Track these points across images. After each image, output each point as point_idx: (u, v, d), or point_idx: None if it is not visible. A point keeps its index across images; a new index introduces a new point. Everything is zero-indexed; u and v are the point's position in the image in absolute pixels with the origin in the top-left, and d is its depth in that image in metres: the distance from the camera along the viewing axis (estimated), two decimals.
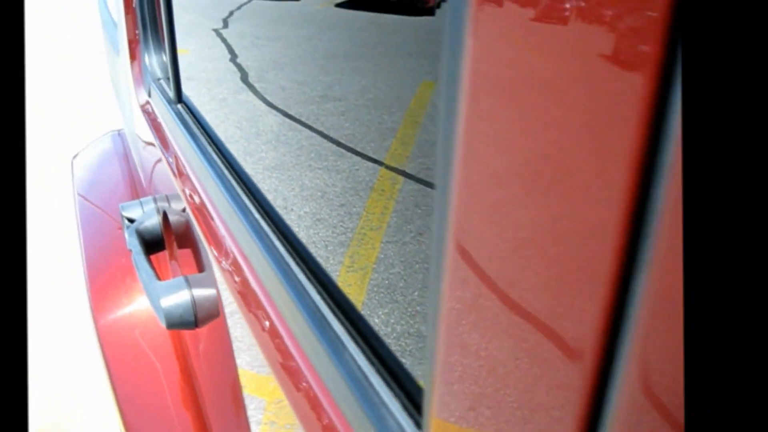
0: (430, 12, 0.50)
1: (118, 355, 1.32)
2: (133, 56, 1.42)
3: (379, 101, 0.57)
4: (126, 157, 1.88)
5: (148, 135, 1.29)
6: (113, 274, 1.41)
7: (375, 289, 0.55)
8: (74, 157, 2.06)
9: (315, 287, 0.61)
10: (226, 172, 0.87)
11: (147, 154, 1.45)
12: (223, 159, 0.91)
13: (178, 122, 1.08)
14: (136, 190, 1.69)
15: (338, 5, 0.66)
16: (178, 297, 0.82)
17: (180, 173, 1.03)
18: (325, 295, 0.59)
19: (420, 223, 0.50)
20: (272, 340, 0.65)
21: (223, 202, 0.82)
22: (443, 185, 0.32)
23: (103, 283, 1.40)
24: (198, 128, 1.04)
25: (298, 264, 0.65)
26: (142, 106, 1.37)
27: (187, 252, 1.08)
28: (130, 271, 1.36)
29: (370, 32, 0.61)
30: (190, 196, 0.96)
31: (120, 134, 2.05)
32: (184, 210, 1.03)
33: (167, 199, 1.16)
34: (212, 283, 0.85)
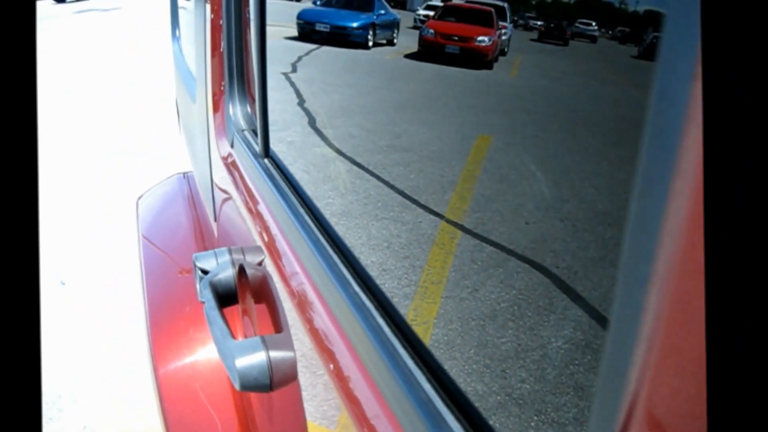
0: (489, 65, 0.57)
1: (177, 407, 1.37)
2: (216, 107, 1.47)
3: (442, 154, 0.63)
4: (192, 201, 1.98)
5: (227, 184, 1.34)
6: (176, 323, 1.47)
7: (435, 344, 0.60)
8: (139, 198, 2.20)
9: (404, 347, 0.62)
10: (316, 231, 0.90)
11: (219, 202, 1.52)
12: (313, 218, 0.93)
13: (266, 177, 1.12)
14: (202, 236, 1.78)
15: (407, 56, 0.72)
16: (253, 358, 0.83)
17: (264, 228, 1.07)
18: (415, 356, 0.60)
19: (475, 279, 0.54)
20: (358, 403, 0.66)
21: (312, 261, 0.85)
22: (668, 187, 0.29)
23: (166, 331, 1.47)
24: (287, 185, 1.07)
25: (389, 325, 0.66)
26: (224, 158, 1.42)
27: (261, 308, 1.12)
28: (194, 320, 1.43)
29: (435, 84, 0.67)
30: (274, 252, 0.99)
31: (186, 177, 2.18)
32: (260, 264, 1.07)
33: (242, 251, 1.21)
34: (290, 345, 0.87)
